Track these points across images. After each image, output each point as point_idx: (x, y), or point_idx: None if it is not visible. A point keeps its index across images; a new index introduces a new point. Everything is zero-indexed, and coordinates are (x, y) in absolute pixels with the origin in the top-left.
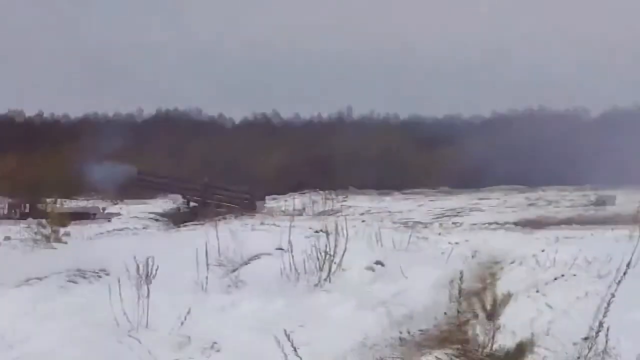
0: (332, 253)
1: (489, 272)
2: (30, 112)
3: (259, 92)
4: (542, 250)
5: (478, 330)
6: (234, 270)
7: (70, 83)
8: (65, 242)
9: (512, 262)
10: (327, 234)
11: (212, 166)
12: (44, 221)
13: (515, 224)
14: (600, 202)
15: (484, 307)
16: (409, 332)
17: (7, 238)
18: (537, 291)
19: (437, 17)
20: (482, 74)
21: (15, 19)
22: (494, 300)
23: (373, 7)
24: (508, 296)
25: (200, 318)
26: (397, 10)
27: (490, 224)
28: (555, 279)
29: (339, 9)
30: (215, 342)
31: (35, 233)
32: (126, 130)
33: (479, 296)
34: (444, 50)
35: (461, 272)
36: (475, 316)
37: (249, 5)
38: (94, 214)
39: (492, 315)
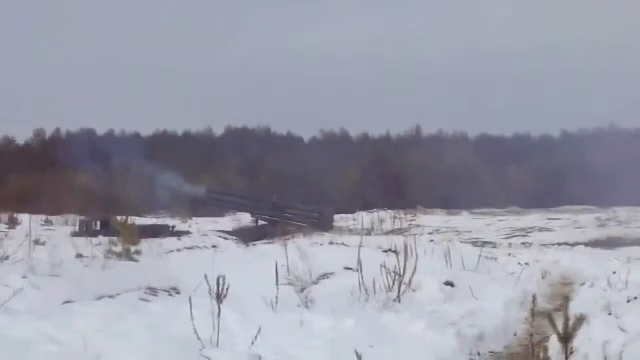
0: (401, 273)
1: (561, 294)
2: (101, 130)
3: (327, 110)
4: (614, 272)
5: (550, 352)
6: (303, 289)
7: (140, 100)
8: (137, 260)
9: (583, 284)
10: (396, 253)
11: (282, 184)
12: (115, 239)
13: (586, 244)
14: None
15: (556, 329)
16: (479, 354)
17: (79, 255)
18: (610, 313)
19: (503, 37)
20: (550, 91)
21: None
22: (567, 323)
23: (445, 22)
24: (581, 318)
25: (271, 337)
26: (464, 31)
27: (560, 244)
28: (628, 300)
29: (399, 25)
30: None
31: (107, 251)
32: (197, 148)
33: (551, 318)
34: (513, 67)
35: (534, 294)
36: (547, 338)
37: (312, 26)
38: (164, 232)
39: (564, 337)
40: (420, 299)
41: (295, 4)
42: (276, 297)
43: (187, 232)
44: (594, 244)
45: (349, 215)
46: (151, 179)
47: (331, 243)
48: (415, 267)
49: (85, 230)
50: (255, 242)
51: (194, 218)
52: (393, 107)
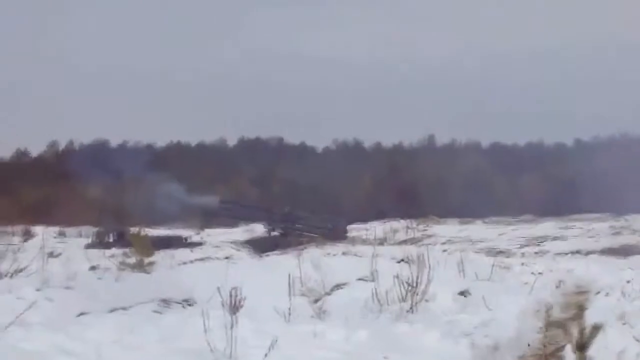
0: (415, 284)
1: (575, 303)
2: (114, 141)
3: (340, 119)
4: (628, 281)
5: None
6: (316, 300)
7: (154, 111)
8: (150, 272)
9: (597, 293)
10: (410, 263)
11: (295, 194)
12: (129, 251)
13: (600, 253)
14: None
15: (570, 339)
16: None
17: (93, 267)
18: (624, 323)
19: (516, 44)
20: (563, 101)
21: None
22: (581, 332)
23: (455, 29)
24: (596, 328)
25: (285, 348)
26: (475, 38)
27: (574, 253)
28: None
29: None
30: None
31: (121, 262)
32: (210, 159)
33: (565, 327)
34: (525, 74)
35: (548, 304)
36: (561, 348)
37: (321, 33)
38: (178, 244)
39: (579, 347)
40: (434, 309)
41: (308, 11)
42: (289, 308)
43: (200, 244)
44: (608, 252)
45: (362, 226)
46: (164, 191)
47: (344, 254)
48: (429, 278)
49: (99, 243)
50: (269, 253)
51: (207, 229)
52: (406, 115)
